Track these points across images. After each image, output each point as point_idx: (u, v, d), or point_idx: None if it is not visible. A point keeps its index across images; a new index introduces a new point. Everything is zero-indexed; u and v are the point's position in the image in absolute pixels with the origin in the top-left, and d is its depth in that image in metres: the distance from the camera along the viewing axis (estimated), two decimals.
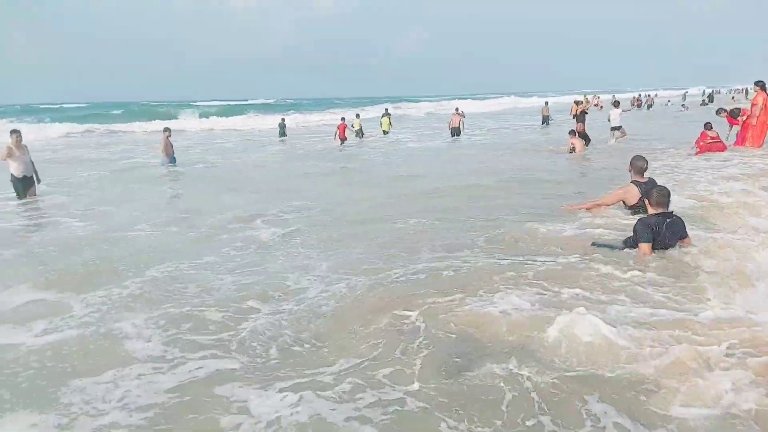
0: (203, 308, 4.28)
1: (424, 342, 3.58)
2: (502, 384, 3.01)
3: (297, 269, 5.25)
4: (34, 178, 10.22)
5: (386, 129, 25.52)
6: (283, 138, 25.83)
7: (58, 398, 3.08)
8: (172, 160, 14.92)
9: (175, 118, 38.80)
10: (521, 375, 3.07)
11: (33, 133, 26.04)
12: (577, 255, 5.11)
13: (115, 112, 45.58)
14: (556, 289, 4.29)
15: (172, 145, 15.08)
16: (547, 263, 4.95)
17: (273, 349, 3.59)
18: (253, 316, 4.16)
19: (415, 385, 3.05)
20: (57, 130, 31.17)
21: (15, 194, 9.97)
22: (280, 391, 3.05)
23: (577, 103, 19.27)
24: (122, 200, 9.83)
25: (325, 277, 4.96)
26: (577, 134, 15.05)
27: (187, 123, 36.53)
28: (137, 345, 3.69)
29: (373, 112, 40.60)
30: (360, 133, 24.01)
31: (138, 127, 33.69)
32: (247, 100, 68.31)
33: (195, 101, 62.44)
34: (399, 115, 44.35)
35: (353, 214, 7.78)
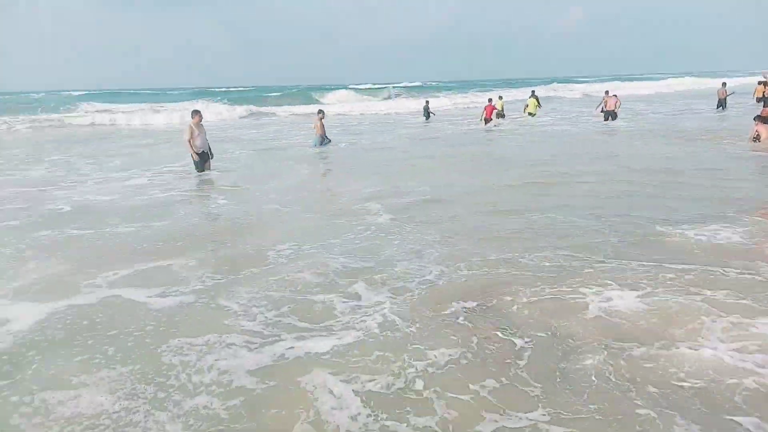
0: (309, 294, 4.32)
1: (535, 347, 3.26)
2: (635, 398, 2.71)
3: (409, 256, 5.13)
4: (209, 153, 11.40)
5: (532, 111, 24.35)
6: (427, 120, 25.89)
7: (156, 365, 3.29)
8: (325, 140, 15.73)
9: (321, 102, 40.77)
10: (665, 384, 2.85)
11: (205, 113, 29.09)
12: (742, 263, 4.37)
13: (274, 94, 49.32)
14: (702, 294, 3.77)
15: (324, 126, 15.88)
16: (696, 271, 4.26)
17: (370, 340, 3.50)
18: (356, 302, 4.12)
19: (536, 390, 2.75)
20: (224, 110, 34.52)
21: (194, 167, 11.25)
22: (364, 388, 2.95)
23: (763, 84, 16.46)
24: (264, 179, 10.50)
25: (435, 266, 4.78)
26: (762, 120, 12.94)
27: (336, 106, 38.22)
28: (240, 322, 3.84)
29: (520, 94, 38.88)
30: (501, 114, 23.23)
31: (290, 110, 36.04)
32: (396, 83, 69.74)
33: (347, 85, 65.26)
34: (549, 96, 41.99)
35: (476, 202, 7.43)
